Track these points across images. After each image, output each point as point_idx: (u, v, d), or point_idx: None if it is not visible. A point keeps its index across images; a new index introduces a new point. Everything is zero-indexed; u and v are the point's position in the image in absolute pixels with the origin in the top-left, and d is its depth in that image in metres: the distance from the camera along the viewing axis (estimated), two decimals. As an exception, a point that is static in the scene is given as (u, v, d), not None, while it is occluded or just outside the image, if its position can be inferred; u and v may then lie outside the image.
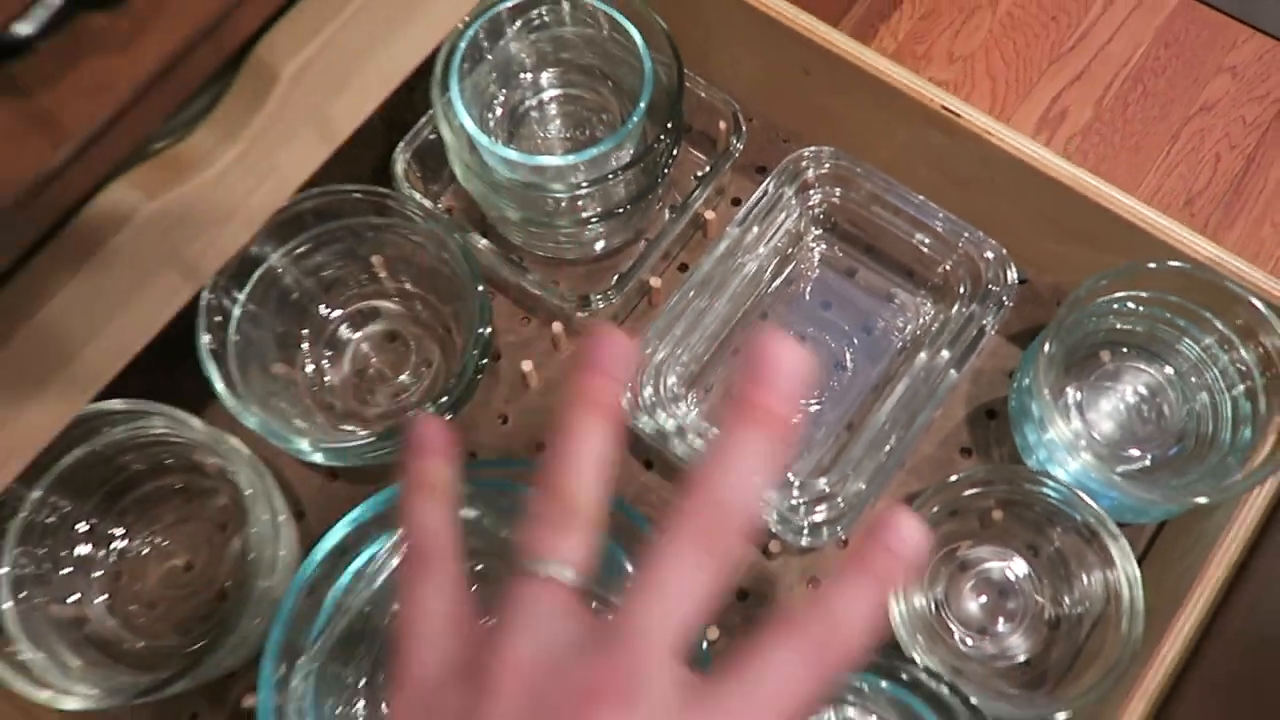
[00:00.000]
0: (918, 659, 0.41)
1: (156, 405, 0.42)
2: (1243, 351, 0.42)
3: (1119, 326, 0.46)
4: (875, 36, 1.19)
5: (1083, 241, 0.49)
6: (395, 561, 0.42)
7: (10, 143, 0.29)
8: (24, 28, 0.23)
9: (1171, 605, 0.41)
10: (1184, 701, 0.38)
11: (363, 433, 0.47)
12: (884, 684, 0.39)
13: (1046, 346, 0.42)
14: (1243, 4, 1.18)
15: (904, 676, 0.38)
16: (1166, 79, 1.17)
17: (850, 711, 0.42)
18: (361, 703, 0.42)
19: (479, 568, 0.44)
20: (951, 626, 0.46)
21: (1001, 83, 1.18)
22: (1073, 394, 0.47)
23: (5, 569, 0.42)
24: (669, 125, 0.47)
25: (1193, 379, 0.45)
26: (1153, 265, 0.42)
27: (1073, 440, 0.42)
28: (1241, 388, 0.43)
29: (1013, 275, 0.46)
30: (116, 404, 0.41)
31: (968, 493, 0.45)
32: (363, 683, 0.42)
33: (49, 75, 0.28)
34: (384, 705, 0.42)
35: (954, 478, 0.43)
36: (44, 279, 0.35)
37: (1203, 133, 1.14)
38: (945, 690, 0.38)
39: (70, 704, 0.40)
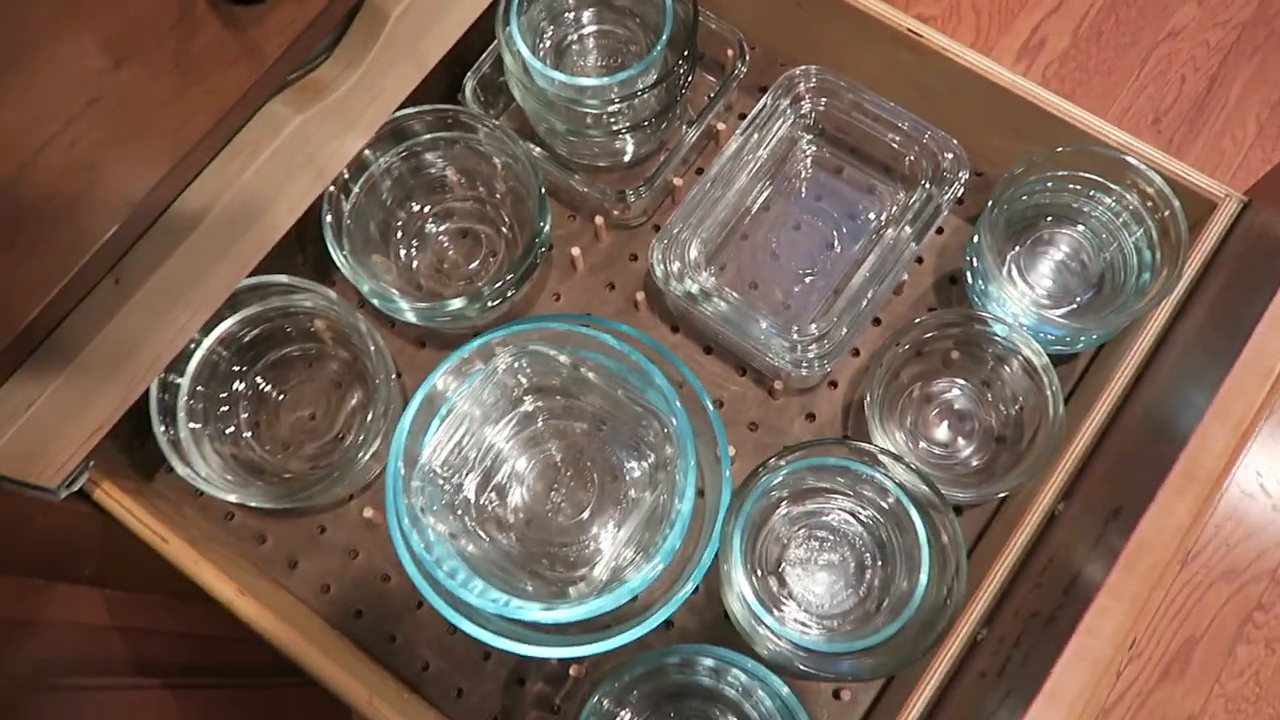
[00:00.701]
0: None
1: (307, 281, 0.54)
2: (1134, 203, 0.54)
3: (1044, 201, 0.58)
4: None
5: (1021, 137, 0.60)
6: (465, 406, 0.53)
7: (230, 63, 0.41)
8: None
9: (1085, 410, 0.53)
10: (1091, 476, 0.50)
11: (450, 295, 0.59)
12: (868, 471, 0.51)
13: (989, 213, 0.54)
14: (1209, -65, 1.27)
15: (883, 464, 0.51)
16: (1137, 8, 1.26)
17: (843, 501, 0.54)
18: (465, 492, 0.55)
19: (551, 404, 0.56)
20: (921, 445, 0.58)
21: (985, 15, 1.28)
22: (1012, 255, 0.59)
23: (184, 400, 0.54)
24: (685, 54, 0.59)
25: (1103, 235, 0.57)
26: (1060, 149, 0.54)
27: (1013, 290, 0.54)
28: (1139, 232, 0.54)
29: (964, 163, 0.58)
30: (279, 278, 0.53)
31: (929, 334, 0.57)
32: (461, 490, 0.55)
33: (258, 17, 0.40)
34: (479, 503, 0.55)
35: (917, 320, 0.56)
36: (223, 173, 0.47)
37: (1170, 56, 1.24)
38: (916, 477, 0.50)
39: (233, 498, 0.52)
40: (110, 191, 0.39)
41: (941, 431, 0.59)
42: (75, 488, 0.51)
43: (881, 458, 0.51)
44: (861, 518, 0.55)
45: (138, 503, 0.53)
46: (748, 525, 0.51)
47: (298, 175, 0.51)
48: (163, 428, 0.53)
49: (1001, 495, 0.54)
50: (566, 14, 0.63)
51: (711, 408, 0.52)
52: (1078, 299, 0.59)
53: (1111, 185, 0.56)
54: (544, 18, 0.62)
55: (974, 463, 0.58)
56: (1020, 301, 0.54)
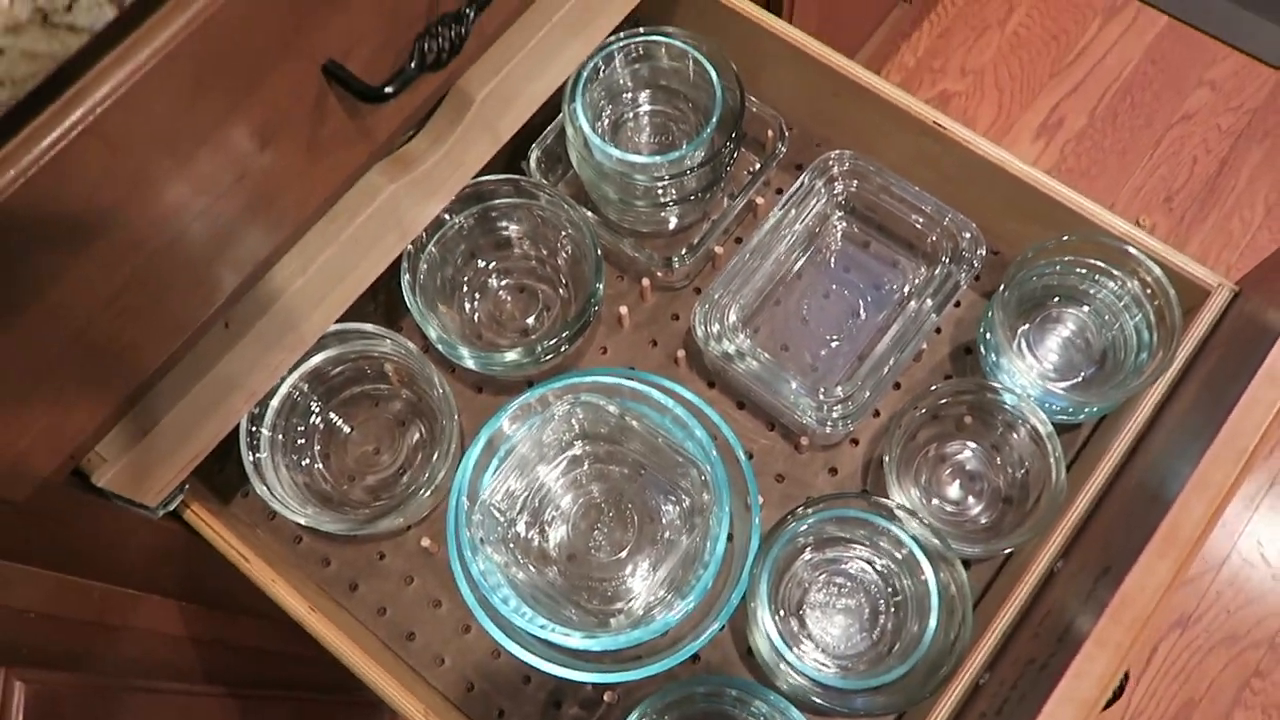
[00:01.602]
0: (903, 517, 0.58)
1: (385, 329, 0.61)
2: (1134, 288, 0.60)
3: (1053, 282, 0.64)
4: (897, 53, 1.36)
5: (1034, 222, 0.66)
6: (523, 449, 0.59)
7: (348, 145, 0.47)
8: (389, 88, 0.41)
9: (1085, 476, 0.58)
10: (1088, 537, 0.55)
11: (506, 346, 0.65)
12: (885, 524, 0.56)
13: (1001, 293, 0.59)
14: (1223, 25, 1.34)
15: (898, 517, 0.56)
16: (1153, 91, 1.33)
17: (861, 550, 0.60)
18: (517, 527, 0.60)
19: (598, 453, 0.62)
20: (934, 502, 0.63)
21: (1007, 94, 1.34)
22: (1022, 331, 0.65)
23: (266, 431, 0.60)
24: (733, 135, 0.65)
25: (1106, 316, 0.63)
26: (1066, 237, 0.59)
27: (1022, 363, 0.59)
28: (1139, 315, 0.60)
29: (981, 243, 0.63)
30: (364, 326, 0.60)
31: (944, 400, 0.62)
32: (514, 524, 0.60)
33: (375, 106, 0.46)
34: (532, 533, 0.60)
35: (934, 387, 0.61)
36: (325, 232, 0.53)
37: (1183, 139, 1.30)
38: (928, 530, 0.55)
39: (304, 521, 0.58)
40: (239, 254, 0.45)
41: (954, 490, 0.64)
42: (171, 508, 0.57)
43: (897, 512, 0.56)
44: (877, 566, 0.60)
45: (222, 523, 0.59)
46: (774, 569, 0.56)
47: (385, 236, 0.57)
48: (249, 454, 0.59)
49: (1007, 551, 0.59)
50: (624, 94, 0.70)
51: (744, 459, 0.58)
52: (1081, 374, 0.64)
53: (1114, 271, 0.61)
54: (604, 97, 0.69)
55: (983, 520, 0.63)
56: (1028, 374, 0.60)
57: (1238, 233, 1.25)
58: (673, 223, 0.71)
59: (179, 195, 0.39)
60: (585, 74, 0.64)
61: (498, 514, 0.58)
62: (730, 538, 0.58)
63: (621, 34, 0.65)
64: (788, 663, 0.54)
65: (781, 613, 0.58)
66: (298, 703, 0.76)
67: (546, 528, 0.62)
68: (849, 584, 0.60)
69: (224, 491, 0.66)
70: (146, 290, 0.41)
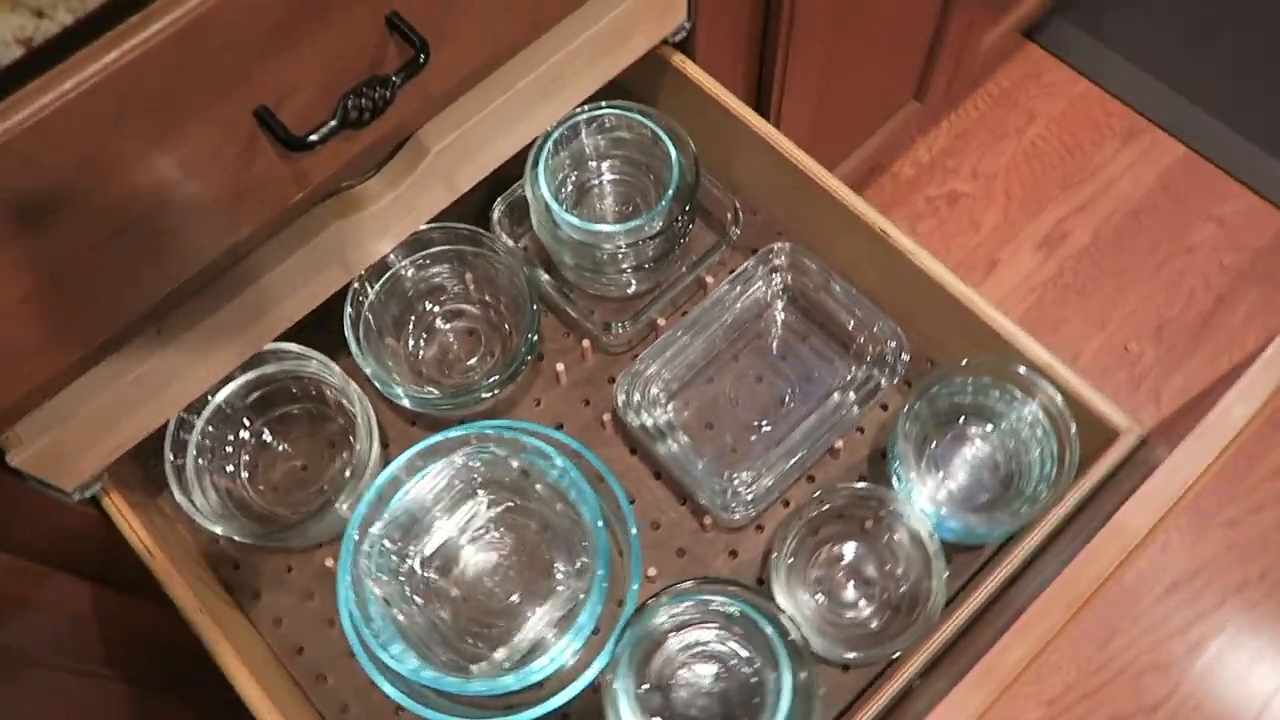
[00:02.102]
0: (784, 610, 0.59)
1: (315, 352, 0.63)
2: (1043, 420, 0.61)
3: (966, 401, 0.65)
4: (912, 146, 1.39)
5: (966, 338, 0.67)
6: (423, 489, 0.61)
7: (280, 184, 0.50)
8: (312, 138, 0.44)
9: (965, 598, 0.59)
10: (959, 656, 0.56)
11: (438, 393, 0.67)
12: (750, 612, 0.58)
13: (906, 411, 0.61)
14: (1239, 163, 1.35)
15: (765, 613, 0.57)
16: (1160, 219, 1.34)
17: (709, 634, 0.61)
18: (411, 562, 0.62)
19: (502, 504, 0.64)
20: (821, 599, 0.64)
21: (1016, 202, 1.36)
22: (930, 450, 0.66)
23: (195, 437, 0.63)
24: (687, 209, 0.68)
25: (1012, 443, 0.64)
26: (981, 359, 0.61)
27: (922, 483, 0.61)
28: (1047, 445, 0.61)
29: (905, 350, 0.65)
30: (292, 346, 0.62)
31: (844, 502, 0.63)
32: (407, 560, 0.62)
33: (309, 151, 0.49)
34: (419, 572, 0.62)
35: (841, 486, 0.62)
36: (265, 258, 0.56)
37: (1184, 270, 1.31)
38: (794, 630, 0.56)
39: (219, 529, 0.61)
40: (166, 268, 0.48)
41: (847, 591, 0.65)
42: (88, 494, 0.59)
43: (771, 608, 0.57)
44: (740, 654, 0.61)
45: (137, 515, 0.61)
46: (642, 640, 0.58)
47: (328, 268, 0.60)
48: (172, 456, 0.62)
49: (894, 656, 0.60)
50: (590, 162, 0.73)
51: (634, 532, 0.60)
52: (983, 497, 0.65)
53: (1027, 400, 0.63)
54: (569, 163, 0.72)
55: (872, 625, 0.64)
56: (926, 492, 0.61)
57: (1222, 367, 1.24)
58: (631, 287, 0.74)
59: (100, 209, 0.42)
60: (550, 142, 0.67)
61: (391, 548, 0.60)
62: (620, 603, 0.60)
63: (587, 105, 0.68)
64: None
65: (646, 686, 0.59)
66: (196, 707, 0.78)
67: (443, 569, 0.64)
68: (719, 667, 0.61)
69: (155, 486, 0.68)
70: (66, 286, 0.45)
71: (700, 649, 0.62)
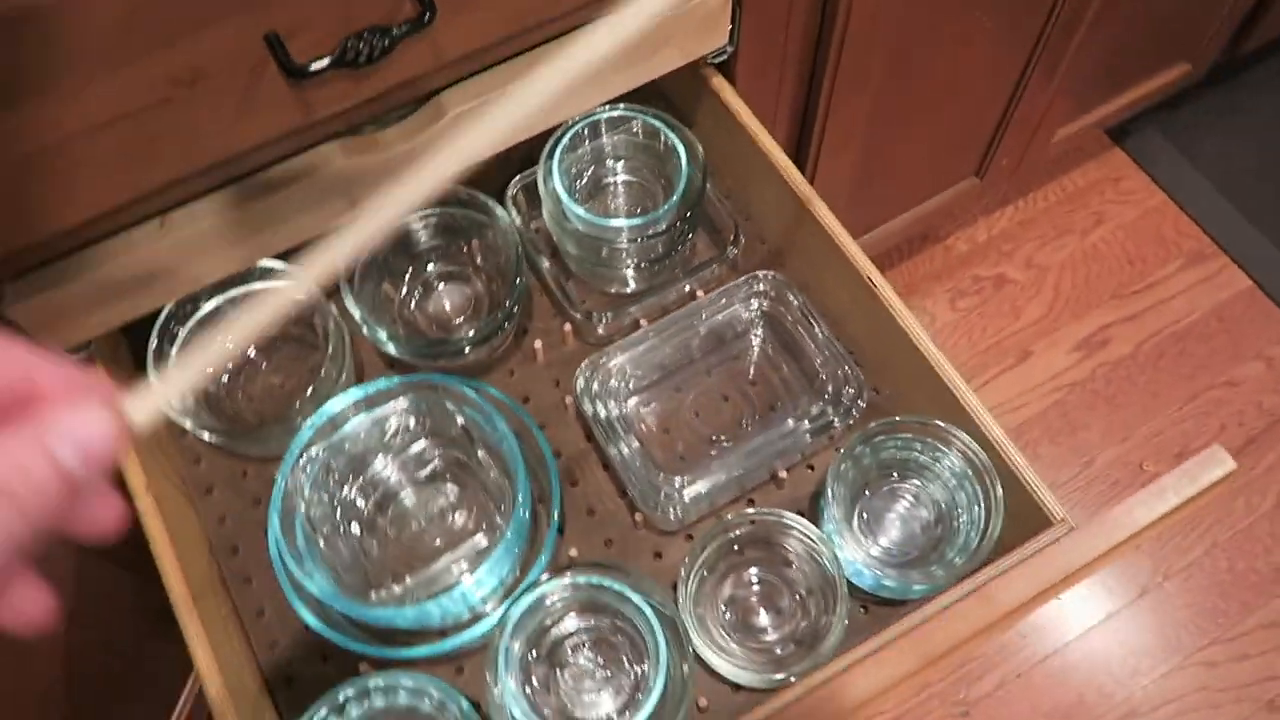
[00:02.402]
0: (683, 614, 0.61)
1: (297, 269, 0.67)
2: (971, 479, 0.61)
3: (898, 456, 0.66)
4: (971, 223, 1.39)
5: (931, 399, 0.68)
6: (368, 425, 0.64)
7: (281, 109, 0.54)
8: (312, 67, 0.48)
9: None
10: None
11: (420, 341, 0.70)
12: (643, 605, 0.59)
13: (848, 448, 0.62)
14: (1302, 308, 1.32)
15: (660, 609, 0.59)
16: (1208, 346, 1.31)
17: (604, 622, 0.62)
18: (345, 495, 0.65)
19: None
20: (730, 616, 0.65)
21: (1063, 300, 1.34)
22: (866, 496, 0.67)
23: (184, 334, 0.68)
24: (689, 214, 0.70)
25: (942, 500, 0.64)
26: (912, 418, 0.62)
27: (850, 534, 0.62)
28: (978, 510, 0.62)
29: (863, 398, 0.66)
30: (289, 268, 0.67)
31: (773, 530, 0.64)
32: (345, 488, 0.65)
33: (317, 84, 0.53)
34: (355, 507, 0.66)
35: (769, 512, 0.63)
36: (273, 178, 0.60)
37: (1219, 403, 1.27)
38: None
39: (186, 423, 0.65)
40: (167, 159, 0.53)
41: (756, 615, 0.66)
42: (72, 358, 0.64)
43: (668, 608, 0.59)
44: (629, 647, 0.63)
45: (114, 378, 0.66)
46: (537, 609, 0.60)
47: (332, 201, 0.64)
48: (157, 342, 0.66)
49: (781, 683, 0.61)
50: (607, 160, 0.76)
51: (555, 515, 0.62)
52: (911, 554, 0.65)
53: (969, 472, 0.63)
54: (588, 158, 0.75)
55: (776, 651, 0.65)
56: (853, 537, 0.62)
57: (1240, 513, 1.21)
58: (629, 287, 0.76)
59: (106, 89, 0.46)
60: (569, 135, 0.70)
61: (332, 469, 0.63)
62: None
63: (611, 104, 0.71)
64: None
65: (534, 655, 0.61)
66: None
67: (380, 505, 0.67)
68: (608, 655, 0.63)
69: (140, 371, 0.73)
70: (71, 155, 0.49)
71: (592, 635, 0.63)
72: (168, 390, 0.33)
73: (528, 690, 0.59)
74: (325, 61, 0.48)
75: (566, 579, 0.60)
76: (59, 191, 0.51)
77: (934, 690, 1.11)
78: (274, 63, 0.50)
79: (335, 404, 0.62)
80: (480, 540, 0.66)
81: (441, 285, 0.76)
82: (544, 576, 0.59)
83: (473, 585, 0.59)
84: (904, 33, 0.84)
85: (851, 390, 0.67)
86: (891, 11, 0.80)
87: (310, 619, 0.60)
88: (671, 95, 0.82)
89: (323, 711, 0.56)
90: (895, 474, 0.67)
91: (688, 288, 0.74)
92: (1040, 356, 1.31)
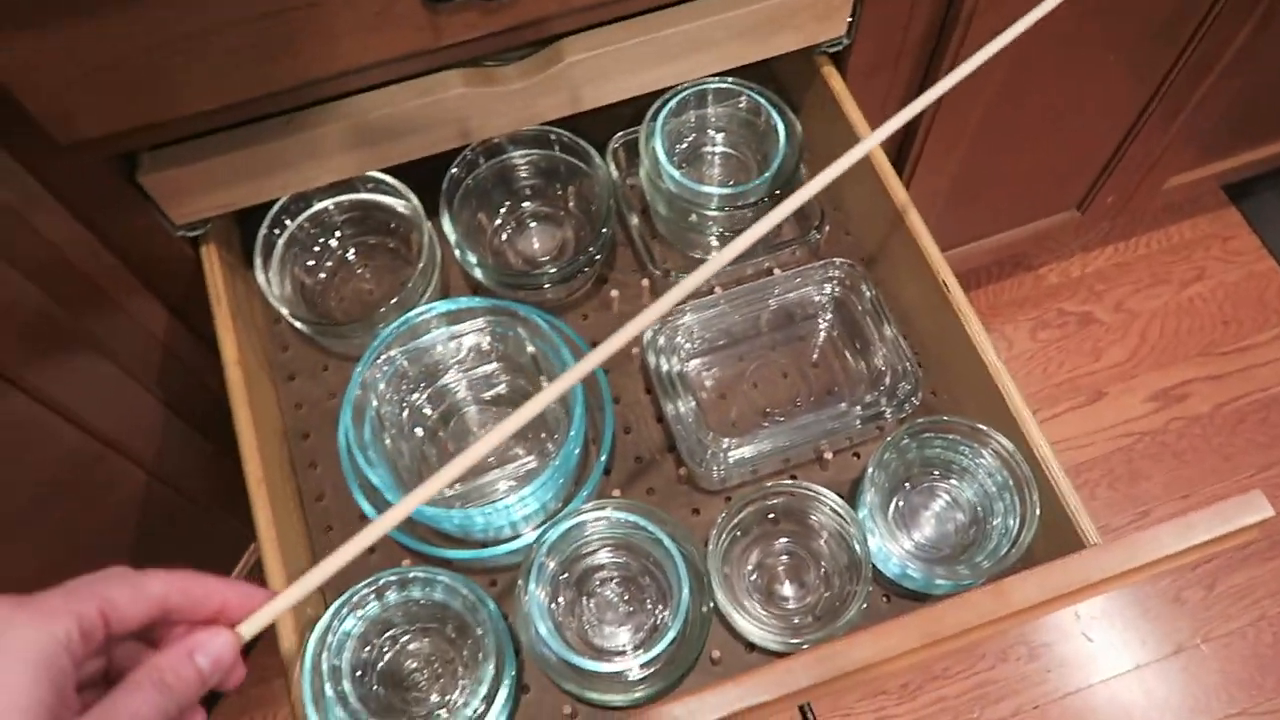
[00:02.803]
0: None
1: (413, 196, 0.72)
2: (1011, 489, 0.63)
3: (942, 455, 0.67)
4: (1067, 256, 1.37)
5: (976, 397, 0.69)
6: (444, 341, 0.69)
7: (414, 29, 0.57)
8: (451, -9, 0.51)
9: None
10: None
11: (506, 271, 0.74)
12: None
13: (885, 453, 0.64)
14: (1399, 398, 1.27)
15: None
16: (1292, 421, 1.28)
17: (636, 563, 0.65)
18: (415, 400, 0.70)
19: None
20: (756, 578, 0.68)
21: (1147, 347, 1.32)
22: (899, 498, 0.69)
23: (292, 227, 0.72)
24: (778, 193, 0.72)
25: (979, 505, 0.66)
26: (961, 420, 0.63)
27: (886, 526, 0.64)
28: (1014, 516, 0.63)
29: (917, 394, 0.67)
30: (397, 183, 0.71)
31: (809, 504, 0.67)
32: (415, 394, 0.70)
33: (450, 11, 0.56)
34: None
35: (807, 487, 0.66)
36: (395, 95, 0.64)
37: (1293, 478, 1.24)
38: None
39: (284, 310, 0.69)
40: (302, 61, 0.57)
41: (783, 584, 0.69)
42: (190, 234, 0.70)
43: (695, 555, 0.62)
44: (652, 588, 0.66)
45: (222, 269, 0.71)
46: (574, 533, 0.63)
47: (446, 126, 0.68)
48: (267, 230, 0.71)
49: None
50: (709, 130, 0.78)
51: (604, 458, 0.65)
52: (940, 551, 0.67)
53: (1011, 485, 0.64)
54: (691, 125, 0.77)
55: (793, 620, 0.67)
56: (884, 529, 0.64)
57: (1291, 589, 1.18)
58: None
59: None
60: (676, 99, 0.73)
61: (405, 370, 0.67)
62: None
63: (718, 76, 0.74)
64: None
65: (565, 575, 0.65)
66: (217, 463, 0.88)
67: (445, 416, 0.71)
68: (632, 592, 0.66)
69: (248, 259, 0.78)
70: (217, 43, 0.54)
71: (622, 572, 0.67)
72: (277, 609, 0.48)
73: (553, 607, 0.63)
74: (462, -11, 0.52)
75: (607, 512, 0.63)
76: (202, 75, 0.56)
77: (948, 704, 1.11)
78: (415, -16, 0.53)
79: (420, 313, 0.66)
80: (531, 464, 0.69)
81: (533, 224, 0.79)
82: (586, 505, 0.63)
83: (516, 502, 0.62)
84: (1025, 53, 0.84)
85: (908, 386, 0.68)
86: (1016, 28, 0.80)
87: (366, 507, 0.65)
88: (780, 75, 0.84)
89: (364, 590, 0.61)
90: (937, 472, 0.69)
91: (766, 263, 0.76)
92: (1114, 400, 1.29)
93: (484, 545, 0.66)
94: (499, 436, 0.52)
